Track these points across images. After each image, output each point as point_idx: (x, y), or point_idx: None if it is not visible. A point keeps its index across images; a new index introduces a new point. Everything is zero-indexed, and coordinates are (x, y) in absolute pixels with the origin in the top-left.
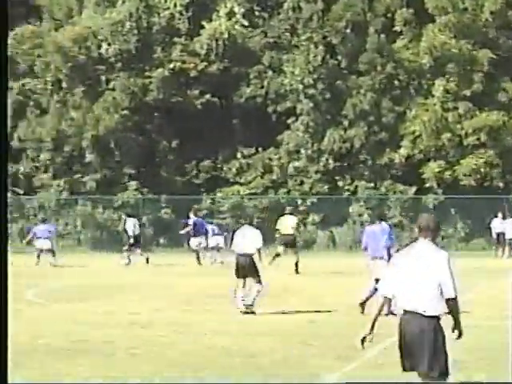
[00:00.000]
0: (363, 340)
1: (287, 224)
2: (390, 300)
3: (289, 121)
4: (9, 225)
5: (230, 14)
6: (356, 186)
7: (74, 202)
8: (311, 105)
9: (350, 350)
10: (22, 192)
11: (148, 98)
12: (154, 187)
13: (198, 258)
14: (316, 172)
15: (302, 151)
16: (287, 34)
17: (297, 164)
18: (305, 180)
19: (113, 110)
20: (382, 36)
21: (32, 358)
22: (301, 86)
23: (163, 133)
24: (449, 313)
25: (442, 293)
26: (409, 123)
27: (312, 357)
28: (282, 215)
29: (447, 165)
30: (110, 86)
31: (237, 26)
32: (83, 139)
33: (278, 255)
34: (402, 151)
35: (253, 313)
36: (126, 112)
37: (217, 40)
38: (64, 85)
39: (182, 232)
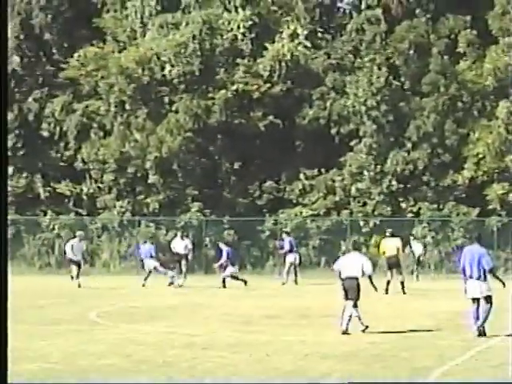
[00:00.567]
0: None
1: (392, 246)
2: None
3: (352, 143)
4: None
5: (293, 36)
6: (419, 208)
7: (137, 223)
8: (374, 127)
9: None
10: (85, 213)
11: (211, 119)
12: (216, 209)
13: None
14: (379, 194)
15: (365, 173)
16: (350, 55)
17: (360, 186)
18: (368, 201)
19: (176, 132)
20: (446, 57)
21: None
22: (364, 108)
23: (226, 154)
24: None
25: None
26: (472, 145)
27: None
28: (384, 237)
29: (511, 187)
30: (173, 107)
31: (300, 48)
32: (146, 161)
33: (388, 282)
34: (466, 173)
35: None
36: (188, 134)
37: (280, 61)
38: (127, 106)
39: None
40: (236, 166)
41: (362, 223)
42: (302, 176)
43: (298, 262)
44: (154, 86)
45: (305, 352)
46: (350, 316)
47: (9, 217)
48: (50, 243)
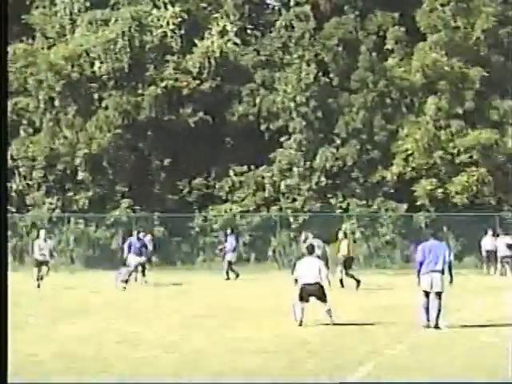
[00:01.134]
0: None
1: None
2: None
3: (281, 139)
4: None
5: (223, 32)
6: (348, 204)
7: (67, 220)
8: (303, 123)
9: None
10: (14, 210)
11: (140, 116)
12: (146, 205)
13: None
14: (308, 190)
15: (295, 169)
16: (279, 52)
17: (289, 182)
18: (297, 198)
19: (105, 129)
20: (374, 54)
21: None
22: (293, 104)
23: (155, 151)
24: None
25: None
26: (401, 141)
27: None
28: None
29: (439, 182)
30: (103, 104)
31: (229, 44)
32: (76, 157)
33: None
34: (394, 169)
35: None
36: (118, 130)
37: (209, 58)
38: (57, 103)
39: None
40: (166, 162)
41: (291, 219)
42: (231, 172)
43: (235, 260)
44: (84, 83)
45: (236, 348)
46: (303, 308)
47: None
48: None
